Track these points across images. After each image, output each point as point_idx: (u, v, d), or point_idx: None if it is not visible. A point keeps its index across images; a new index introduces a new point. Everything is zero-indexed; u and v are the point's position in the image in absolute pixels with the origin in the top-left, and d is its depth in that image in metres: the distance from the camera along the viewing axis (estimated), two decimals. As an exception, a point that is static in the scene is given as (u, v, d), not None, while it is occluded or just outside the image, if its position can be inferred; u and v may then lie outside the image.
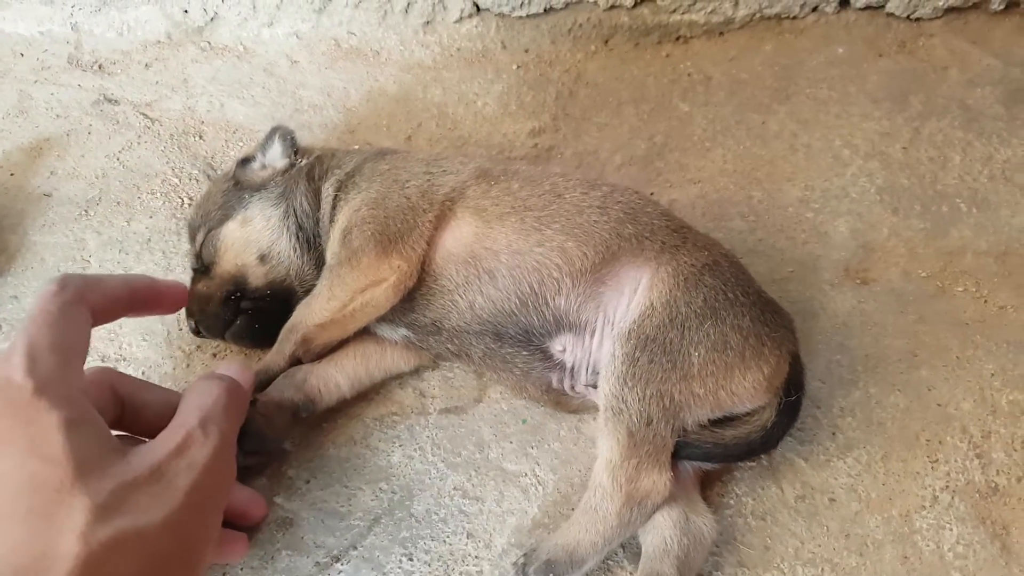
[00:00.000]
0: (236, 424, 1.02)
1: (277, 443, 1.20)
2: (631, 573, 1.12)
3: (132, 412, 1.01)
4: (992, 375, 1.34)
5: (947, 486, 1.21)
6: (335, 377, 1.26)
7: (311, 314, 1.23)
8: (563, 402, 1.25)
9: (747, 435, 1.15)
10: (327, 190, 1.34)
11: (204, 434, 0.93)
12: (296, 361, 1.25)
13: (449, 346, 1.25)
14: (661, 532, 1.09)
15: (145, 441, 1.03)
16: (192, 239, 1.36)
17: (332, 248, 1.28)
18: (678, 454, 1.13)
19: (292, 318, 1.25)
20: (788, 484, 1.21)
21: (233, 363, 1.13)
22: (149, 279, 1.11)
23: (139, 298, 1.09)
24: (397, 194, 1.25)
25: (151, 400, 1.03)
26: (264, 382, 1.21)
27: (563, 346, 1.21)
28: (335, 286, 1.21)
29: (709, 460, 1.17)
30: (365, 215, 1.24)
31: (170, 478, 0.87)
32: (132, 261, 1.48)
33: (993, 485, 1.21)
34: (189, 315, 1.30)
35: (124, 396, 1.00)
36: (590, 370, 1.21)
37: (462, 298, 1.21)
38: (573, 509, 1.17)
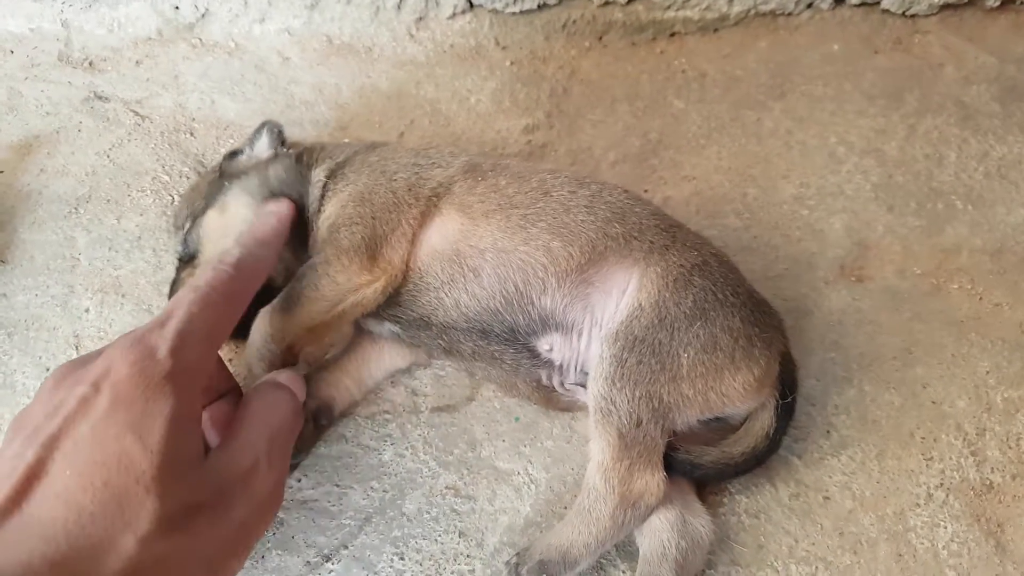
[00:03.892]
0: (292, 446, 1.02)
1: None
2: (624, 572, 1.11)
3: None
4: (987, 373, 1.33)
5: (942, 484, 1.20)
6: (343, 380, 1.25)
7: (295, 318, 1.17)
8: (553, 399, 1.25)
9: (753, 447, 1.15)
10: (317, 175, 1.33)
11: (269, 464, 0.92)
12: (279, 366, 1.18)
13: (439, 341, 1.24)
14: (659, 535, 1.08)
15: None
16: (180, 227, 1.35)
17: (318, 242, 1.26)
18: (691, 475, 1.13)
19: (270, 324, 1.17)
20: (782, 482, 1.20)
21: (293, 375, 1.11)
22: None
23: None
24: (384, 188, 1.24)
25: None
26: None
27: (550, 345, 1.20)
28: (324, 286, 1.18)
29: (722, 479, 1.18)
30: (352, 213, 1.22)
31: (228, 506, 0.86)
32: (122, 259, 1.46)
33: (988, 483, 1.21)
34: None
35: None
36: (579, 369, 1.20)
37: (447, 296, 1.20)
38: (566, 508, 1.16)
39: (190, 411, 0.85)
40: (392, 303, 1.23)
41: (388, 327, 1.26)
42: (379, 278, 1.19)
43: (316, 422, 1.21)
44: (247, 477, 0.89)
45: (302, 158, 1.37)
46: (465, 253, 1.20)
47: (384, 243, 1.19)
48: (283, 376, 1.09)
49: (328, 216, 1.26)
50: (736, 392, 1.12)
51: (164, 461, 0.79)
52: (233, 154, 1.42)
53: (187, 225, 1.33)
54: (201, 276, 0.97)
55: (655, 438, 1.08)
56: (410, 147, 1.37)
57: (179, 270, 1.32)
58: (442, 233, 1.22)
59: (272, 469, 0.93)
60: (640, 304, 1.13)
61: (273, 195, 1.30)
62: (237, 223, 1.29)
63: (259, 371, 1.16)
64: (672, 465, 1.10)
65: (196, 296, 0.92)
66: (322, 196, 1.30)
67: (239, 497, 0.88)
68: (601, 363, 1.10)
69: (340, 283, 1.18)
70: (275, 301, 1.19)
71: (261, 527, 0.94)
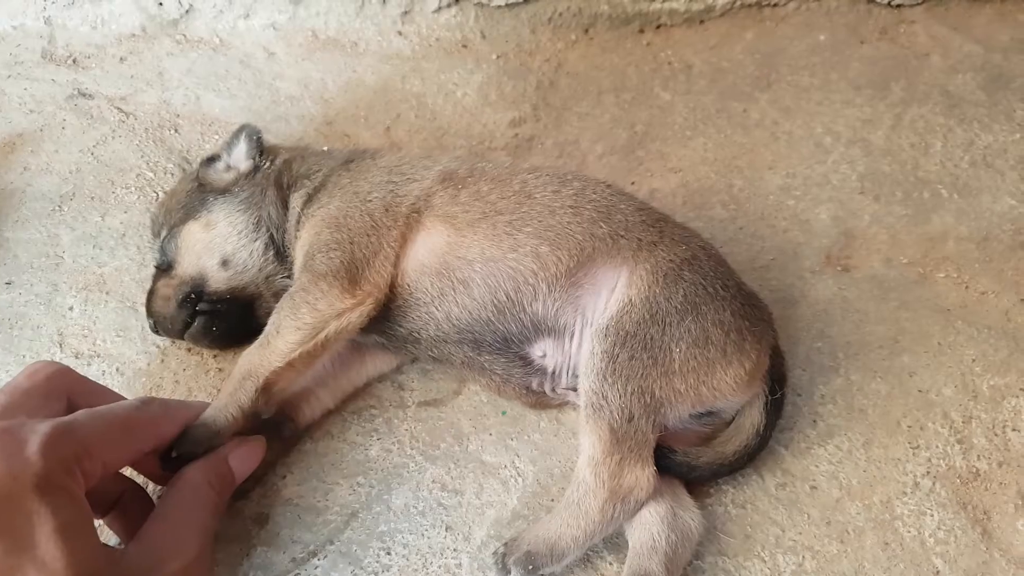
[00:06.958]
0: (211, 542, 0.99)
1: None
2: (611, 563, 1.11)
3: None
4: (973, 360, 1.33)
5: (928, 472, 1.20)
6: (315, 391, 1.22)
7: (272, 353, 1.11)
8: (542, 403, 1.24)
9: (745, 445, 1.15)
10: (295, 201, 1.31)
11: (198, 563, 0.91)
12: (253, 415, 1.12)
13: (430, 353, 1.23)
14: (648, 528, 1.08)
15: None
16: (156, 235, 1.34)
17: (296, 269, 1.23)
18: (687, 477, 1.13)
19: (244, 363, 1.11)
20: (769, 472, 1.20)
21: (247, 445, 1.07)
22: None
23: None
24: (359, 211, 1.21)
25: None
26: (204, 439, 1.03)
27: (543, 351, 1.19)
28: (303, 314, 1.12)
29: (717, 478, 1.18)
30: (328, 239, 1.19)
31: None
32: (106, 256, 1.46)
33: (974, 470, 1.21)
34: (149, 314, 1.28)
35: (79, 406, 0.94)
36: (571, 372, 1.19)
37: (438, 309, 1.18)
38: (553, 501, 1.16)
39: (78, 513, 0.77)
40: (379, 319, 1.20)
41: (374, 338, 1.25)
42: (363, 302, 1.15)
43: (279, 433, 1.18)
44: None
45: (282, 180, 1.33)
46: (453, 265, 1.18)
47: (366, 267, 1.17)
48: (234, 453, 1.05)
49: (303, 243, 1.23)
50: (727, 386, 1.12)
51: None
52: (210, 160, 1.39)
53: (163, 233, 1.31)
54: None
55: (646, 433, 1.07)
56: (383, 163, 1.33)
57: (155, 279, 1.30)
58: (428, 247, 1.20)
59: (199, 566, 0.92)
60: (630, 300, 1.12)
61: (260, 222, 1.29)
62: (221, 243, 1.28)
63: (231, 414, 1.07)
64: (669, 468, 1.10)
65: (90, 409, 0.89)
66: (298, 220, 1.28)
67: None
68: (592, 359, 1.10)
69: (321, 309, 1.13)
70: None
71: None
